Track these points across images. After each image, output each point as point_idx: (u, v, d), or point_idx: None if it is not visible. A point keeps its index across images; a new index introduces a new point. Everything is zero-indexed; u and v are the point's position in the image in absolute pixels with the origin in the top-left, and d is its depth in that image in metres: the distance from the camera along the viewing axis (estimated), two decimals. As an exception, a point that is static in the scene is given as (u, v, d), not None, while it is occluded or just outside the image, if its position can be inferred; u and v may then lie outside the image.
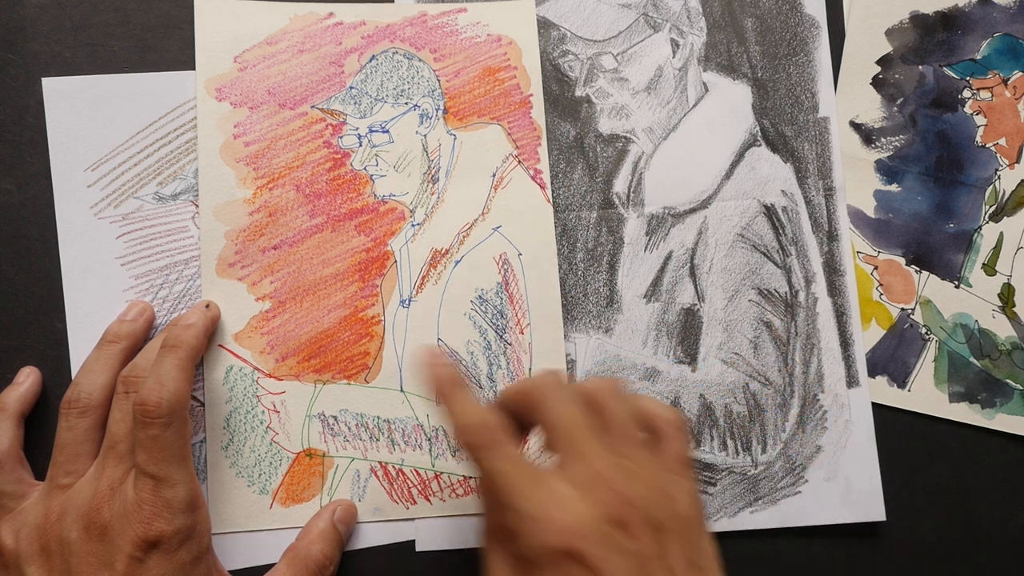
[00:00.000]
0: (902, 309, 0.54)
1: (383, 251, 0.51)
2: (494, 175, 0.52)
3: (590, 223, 0.52)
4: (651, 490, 0.39)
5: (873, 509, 0.51)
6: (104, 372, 0.45)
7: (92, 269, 0.49)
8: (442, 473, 0.49)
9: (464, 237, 0.51)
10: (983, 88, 0.55)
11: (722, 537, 0.50)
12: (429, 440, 0.50)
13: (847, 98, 0.55)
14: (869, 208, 0.54)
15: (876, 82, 0.55)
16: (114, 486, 0.41)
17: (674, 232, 0.53)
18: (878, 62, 0.55)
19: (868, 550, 0.51)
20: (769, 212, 0.53)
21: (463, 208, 0.51)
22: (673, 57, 0.54)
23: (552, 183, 0.52)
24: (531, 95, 0.53)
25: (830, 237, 0.53)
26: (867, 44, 0.55)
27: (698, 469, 0.51)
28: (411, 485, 0.49)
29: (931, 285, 0.54)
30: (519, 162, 0.52)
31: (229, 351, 0.49)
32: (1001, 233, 0.54)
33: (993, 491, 0.53)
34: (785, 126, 0.54)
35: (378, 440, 0.49)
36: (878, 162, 0.55)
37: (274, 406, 0.48)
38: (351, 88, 0.51)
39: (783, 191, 0.53)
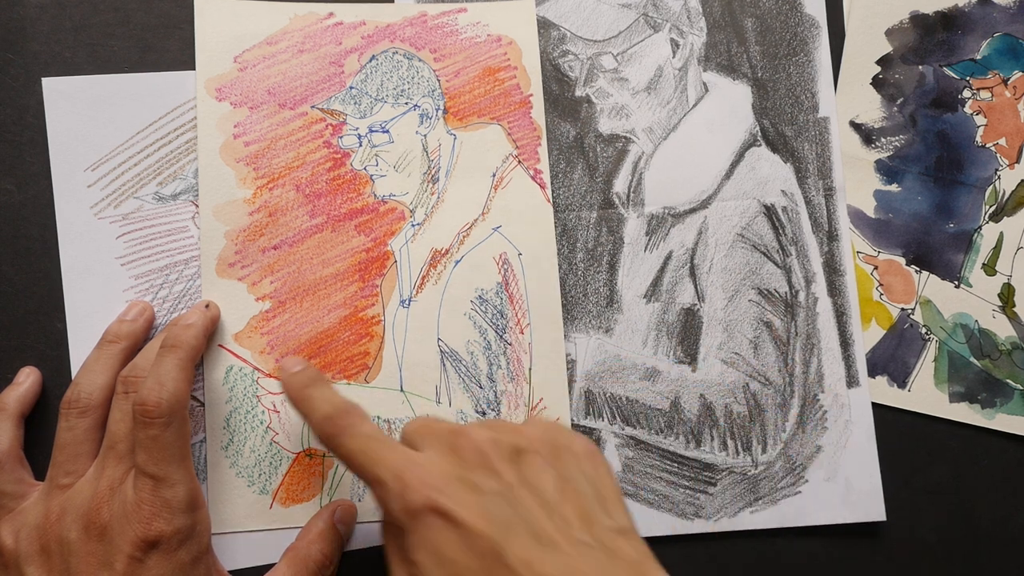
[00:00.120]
0: (902, 309, 0.54)
1: (383, 251, 0.51)
2: (494, 175, 0.52)
3: (590, 223, 0.52)
4: (517, 432, 0.40)
5: (873, 509, 0.51)
6: (104, 372, 0.45)
7: (92, 269, 0.49)
8: (442, 473, 0.49)
9: (464, 237, 0.51)
10: (983, 88, 0.55)
11: (722, 537, 0.50)
12: (429, 440, 0.50)
13: (847, 98, 0.55)
14: (869, 208, 0.54)
15: (876, 82, 0.55)
16: (114, 486, 0.41)
17: (674, 232, 0.53)
18: (878, 62, 0.55)
19: (868, 550, 0.51)
20: (769, 212, 0.53)
21: (463, 208, 0.51)
22: (673, 57, 0.54)
23: (552, 183, 0.52)
24: (531, 95, 0.53)
25: (830, 237, 0.53)
26: (867, 44, 0.55)
27: (698, 469, 0.51)
28: (411, 485, 0.49)
29: (931, 285, 0.54)
30: (519, 162, 0.52)
31: (229, 351, 0.49)
32: (1001, 233, 0.54)
33: (993, 491, 0.53)
34: (785, 126, 0.54)
35: (378, 440, 0.49)
36: (878, 162, 0.55)
37: (274, 406, 0.48)
38: (351, 88, 0.51)
39: (783, 191, 0.53)
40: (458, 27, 0.53)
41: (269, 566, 0.46)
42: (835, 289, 0.53)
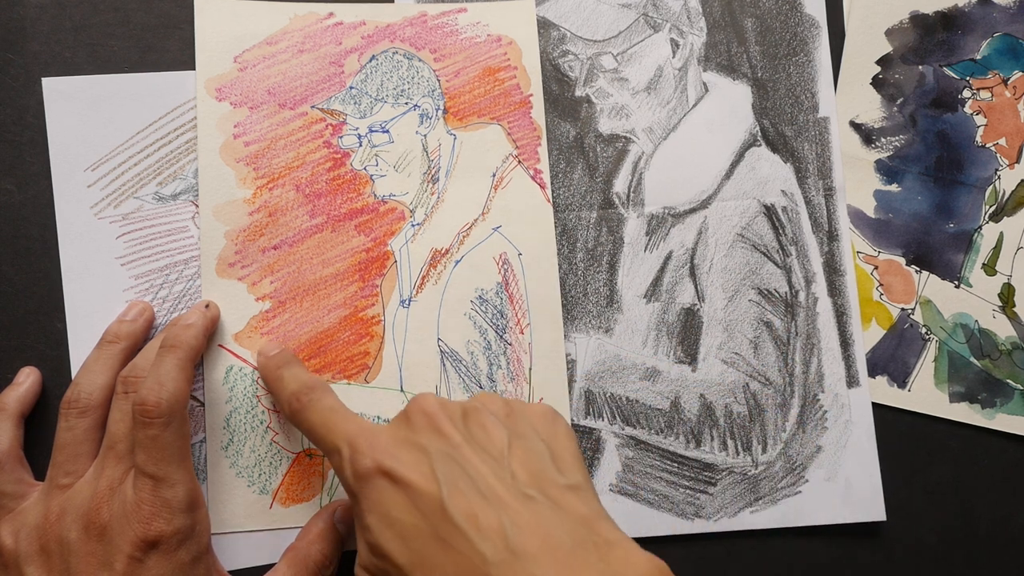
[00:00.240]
0: (902, 309, 0.54)
1: (383, 251, 0.51)
2: (494, 175, 0.52)
3: (590, 223, 0.52)
4: (475, 398, 0.40)
5: (873, 509, 0.51)
6: (104, 372, 0.45)
7: (92, 269, 0.49)
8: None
9: (464, 237, 0.51)
10: (983, 88, 0.55)
11: (722, 537, 0.50)
12: (429, 440, 0.50)
13: (847, 98, 0.55)
14: (869, 208, 0.54)
15: (876, 82, 0.55)
16: (113, 486, 0.41)
17: (674, 232, 0.53)
18: (878, 62, 0.55)
19: (868, 550, 0.51)
20: (769, 212, 0.53)
21: (463, 208, 0.51)
22: (673, 57, 0.54)
23: (552, 183, 0.52)
24: (531, 95, 0.53)
25: (830, 237, 0.53)
26: (867, 44, 0.55)
27: (698, 469, 0.51)
28: (411, 485, 0.49)
29: (931, 285, 0.54)
30: (519, 162, 0.52)
31: (229, 351, 0.49)
32: (1001, 233, 0.54)
33: (993, 491, 0.53)
34: (785, 126, 0.54)
35: (378, 440, 0.49)
36: (878, 162, 0.55)
37: (274, 406, 0.48)
38: (351, 88, 0.51)
39: (783, 191, 0.53)
40: (458, 27, 0.53)
41: (269, 566, 0.46)
42: (835, 289, 0.53)
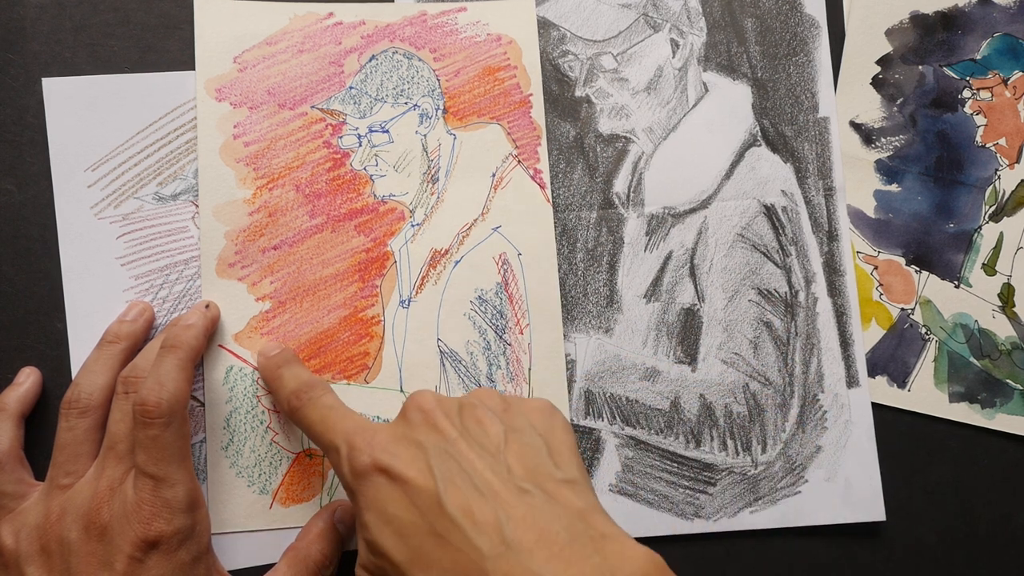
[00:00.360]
0: (902, 309, 0.54)
1: (383, 251, 0.51)
2: (494, 175, 0.52)
3: (590, 223, 0.52)
4: (471, 394, 0.41)
5: (873, 509, 0.51)
6: (104, 372, 0.45)
7: (92, 269, 0.49)
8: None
9: (464, 237, 0.51)
10: (983, 88, 0.55)
11: (722, 537, 0.50)
12: (429, 440, 0.50)
13: (847, 98, 0.55)
14: (869, 208, 0.54)
15: (876, 82, 0.55)
16: (114, 486, 0.41)
17: (674, 232, 0.53)
18: (878, 62, 0.55)
19: (868, 550, 0.51)
20: (769, 212, 0.53)
21: (463, 208, 0.51)
22: (673, 57, 0.54)
23: (552, 183, 0.52)
24: (531, 95, 0.53)
25: (830, 237, 0.53)
26: (867, 44, 0.55)
27: (698, 469, 0.51)
28: (411, 485, 0.49)
29: (931, 285, 0.54)
30: (519, 162, 0.52)
31: (229, 351, 0.49)
32: (1001, 233, 0.54)
33: (993, 491, 0.53)
34: (785, 126, 0.54)
35: (378, 440, 0.49)
36: (878, 162, 0.55)
37: (274, 406, 0.48)
38: (351, 88, 0.51)
39: (783, 191, 0.53)
40: (458, 26, 0.53)
41: (269, 566, 0.46)
42: (835, 289, 0.53)
